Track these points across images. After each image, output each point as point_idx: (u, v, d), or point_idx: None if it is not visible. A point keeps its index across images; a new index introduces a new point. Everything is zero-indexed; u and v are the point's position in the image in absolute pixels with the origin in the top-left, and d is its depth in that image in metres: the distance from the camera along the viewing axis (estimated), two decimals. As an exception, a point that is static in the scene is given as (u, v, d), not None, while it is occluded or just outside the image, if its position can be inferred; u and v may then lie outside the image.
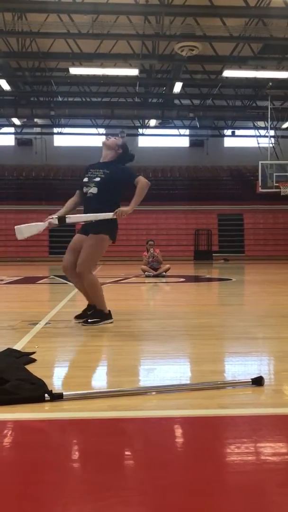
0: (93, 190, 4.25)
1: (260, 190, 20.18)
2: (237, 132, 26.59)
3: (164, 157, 26.71)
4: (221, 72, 17.30)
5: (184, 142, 28.26)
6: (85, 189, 4.34)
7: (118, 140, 4.47)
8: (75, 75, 18.78)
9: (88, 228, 4.28)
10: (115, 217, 4.08)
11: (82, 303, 6.63)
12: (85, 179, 4.36)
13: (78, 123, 24.47)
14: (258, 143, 23.78)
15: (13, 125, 24.94)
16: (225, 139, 27.95)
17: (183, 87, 19.31)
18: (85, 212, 4.32)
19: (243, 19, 15.08)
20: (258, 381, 2.42)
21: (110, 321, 4.28)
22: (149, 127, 25.11)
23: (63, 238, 23.40)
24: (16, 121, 24.04)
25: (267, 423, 1.99)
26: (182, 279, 10.40)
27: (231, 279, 10.60)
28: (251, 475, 1.53)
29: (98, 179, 4.27)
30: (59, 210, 4.41)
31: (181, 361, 3.14)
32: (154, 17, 14.96)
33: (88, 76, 19.42)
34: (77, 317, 4.39)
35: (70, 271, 4.34)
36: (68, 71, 17.36)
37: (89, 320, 4.23)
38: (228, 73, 17.11)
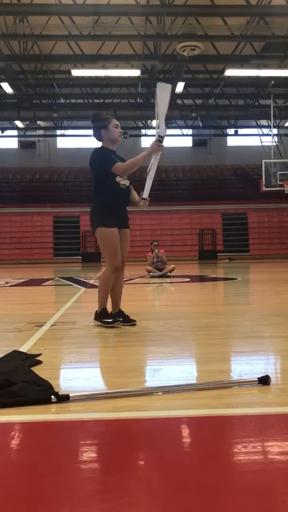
0: (126, 182, 4.20)
1: (264, 188, 20.18)
2: (240, 131, 26.58)
3: (167, 157, 26.63)
4: (223, 71, 17.32)
5: (187, 142, 28.27)
6: (120, 179, 4.16)
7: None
8: (77, 76, 18.83)
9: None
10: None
11: (87, 305, 6.64)
12: None
13: (81, 125, 24.52)
14: (262, 142, 23.76)
15: (16, 127, 25.05)
16: (228, 138, 27.94)
17: (185, 87, 19.33)
18: (122, 204, 4.25)
19: (244, 18, 15.09)
20: (264, 380, 2.41)
21: (109, 320, 4.20)
22: (152, 127, 25.12)
23: (67, 240, 23.61)
24: (19, 123, 24.14)
25: (274, 422, 1.98)
26: (187, 279, 10.39)
27: (236, 279, 10.58)
28: (259, 475, 1.52)
29: None
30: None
31: (187, 361, 3.13)
32: (155, 18, 15.00)
33: (90, 77, 19.46)
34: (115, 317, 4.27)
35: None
36: (70, 73, 17.42)
37: (94, 321, 4.24)
38: (230, 72, 17.12)
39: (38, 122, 24.40)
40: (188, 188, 25.99)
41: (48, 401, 2.18)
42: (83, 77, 19.35)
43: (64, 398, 2.19)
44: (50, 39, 16.03)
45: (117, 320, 4.22)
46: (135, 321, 4.26)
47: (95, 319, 4.26)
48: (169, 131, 26.22)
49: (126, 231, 4.29)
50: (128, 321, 4.25)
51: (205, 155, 28.06)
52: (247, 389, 2.39)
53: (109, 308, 4.35)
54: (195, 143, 28.36)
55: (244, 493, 1.41)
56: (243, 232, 24.64)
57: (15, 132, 26.63)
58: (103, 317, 4.21)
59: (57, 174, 27.37)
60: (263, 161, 20.19)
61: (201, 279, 11.40)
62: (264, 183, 20.02)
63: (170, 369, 2.84)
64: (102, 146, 4.30)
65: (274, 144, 21.51)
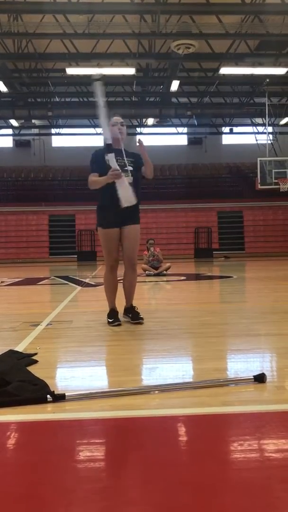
0: (129, 179, 4.13)
1: (259, 187, 20.21)
2: (235, 129, 26.58)
3: (162, 155, 26.69)
4: (218, 69, 17.29)
5: (183, 140, 28.25)
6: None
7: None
8: (72, 75, 18.76)
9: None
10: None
11: (83, 304, 6.64)
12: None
13: (76, 124, 24.44)
14: (257, 140, 23.79)
15: (11, 126, 24.93)
16: (223, 136, 27.93)
17: (180, 85, 19.30)
18: (117, 202, 4.09)
19: (239, 16, 15.08)
20: (260, 378, 2.42)
21: (110, 320, 4.27)
22: (147, 126, 25.09)
23: (63, 239, 23.54)
24: (14, 122, 24.03)
25: (270, 420, 1.98)
26: (183, 278, 10.40)
27: (232, 277, 10.59)
28: (255, 472, 1.52)
29: (131, 168, 4.19)
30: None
31: (183, 359, 3.13)
32: (150, 16, 14.96)
33: (85, 76, 19.40)
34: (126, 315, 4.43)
35: (117, 269, 4.41)
36: (65, 71, 17.34)
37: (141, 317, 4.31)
38: (225, 70, 17.11)
39: (33, 121, 24.32)
40: (183, 186, 25.99)
41: (44, 401, 2.18)
42: (78, 75, 19.28)
43: (60, 397, 2.19)
44: (44, 38, 15.96)
45: (117, 321, 4.21)
46: (141, 320, 4.24)
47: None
48: (164, 130, 26.26)
49: (129, 228, 4.27)
50: (135, 318, 4.27)
51: (200, 153, 28.05)
52: (243, 387, 2.39)
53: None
54: (190, 142, 28.34)
55: (241, 490, 1.41)
56: (238, 230, 24.67)
57: (9, 131, 26.52)
58: (108, 316, 4.31)
59: (52, 172, 27.30)
60: (258, 159, 20.21)
61: (197, 277, 11.41)
62: (259, 181, 20.06)
63: (167, 368, 2.85)
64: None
65: (269, 142, 21.55)
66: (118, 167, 4.00)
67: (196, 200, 24.52)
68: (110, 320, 4.24)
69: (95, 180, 4.15)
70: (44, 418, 2.03)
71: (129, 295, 4.43)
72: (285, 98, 22.16)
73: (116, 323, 4.19)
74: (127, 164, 4.17)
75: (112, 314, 4.31)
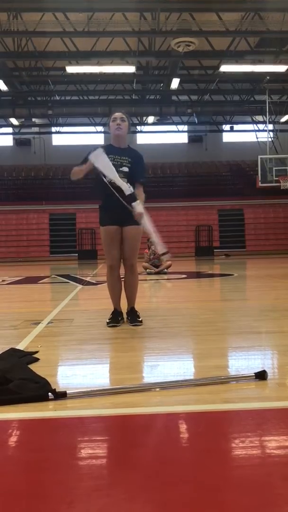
0: (124, 181, 4.01)
1: (260, 184, 20.20)
2: (236, 127, 26.56)
3: (163, 153, 26.71)
4: (218, 67, 17.28)
5: (183, 138, 28.23)
6: (109, 179, 4.00)
7: (127, 121, 4.22)
8: (72, 73, 18.73)
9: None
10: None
11: (84, 302, 6.64)
12: None
13: (76, 122, 24.43)
14: (257, 138, 23.75)
15: (11, 125, 24.92)
16: (224, 134, 27.91)
17: (180, 83, 19.29)
18: (119, 202, 3.94)
19: (239, 13, 15.05)
20: (261, 375, 2.42)
21: (107, 320, 4.22)
22: (147, 124, 25.06)
23: (63, 238, 23.53)
24: (14, 121, 24.02)
25: (271, 417, 1.98)
26: (183, 276, 10.39)
27: (232, 275, 10.59)
28: (257, 469, 1.53)
29: (126, 169, 4.05)
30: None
31: (185, 357, 3.13)
32: (149, 14, 14.94)
33: (85, 74, 19.39)
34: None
35: (119, 269, 4.30)
36: (65, 69, 17.32)
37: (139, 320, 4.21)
38: (225, 68, 17.09)
39: (33, 120, 24.30)
40: (184, 185, 25.96)
41: (46, 398, 2.18)
42: (77, 73, 19.26)
43: (61, 395, 2.19)
44: (44, 36, 15.94)
45: (113, 323, 4.14)
46: (138, 323, 4.14)
47: None
48: (164, 128, 26.23)
49: (129, 229, 4.12)
50: (132, 321, 4.19)
51: (200, 151, 28.03)
52: (244, 384, 2.39)
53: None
54: (191, 140, 28.32)
55: (242, 487, 1.41)
56: (239, 228, 24.66)
57: (10, 130, 26.50)
58: (110, 315, 4.24)
59: (53, 171, 27.28)
60: (259, 157, 20.20)
61: (198, 275, 11.41)
62: (260, 179, 20.05)
63: (168, 365, 2.85)
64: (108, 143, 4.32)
65: (269, 140, 21.52)
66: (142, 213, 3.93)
67: (197, 198, 24.51)
68: (108, 321, 4.18)
69: (75, 169, 4.01)
70: (46, 416, 2.04)
71: (129, 298, 4.32)
72: (285, 96, 22.15)
73: (112, 324, 4.10)
74: (123, 164, 4.07)
75: (113, 314, 4.25)
